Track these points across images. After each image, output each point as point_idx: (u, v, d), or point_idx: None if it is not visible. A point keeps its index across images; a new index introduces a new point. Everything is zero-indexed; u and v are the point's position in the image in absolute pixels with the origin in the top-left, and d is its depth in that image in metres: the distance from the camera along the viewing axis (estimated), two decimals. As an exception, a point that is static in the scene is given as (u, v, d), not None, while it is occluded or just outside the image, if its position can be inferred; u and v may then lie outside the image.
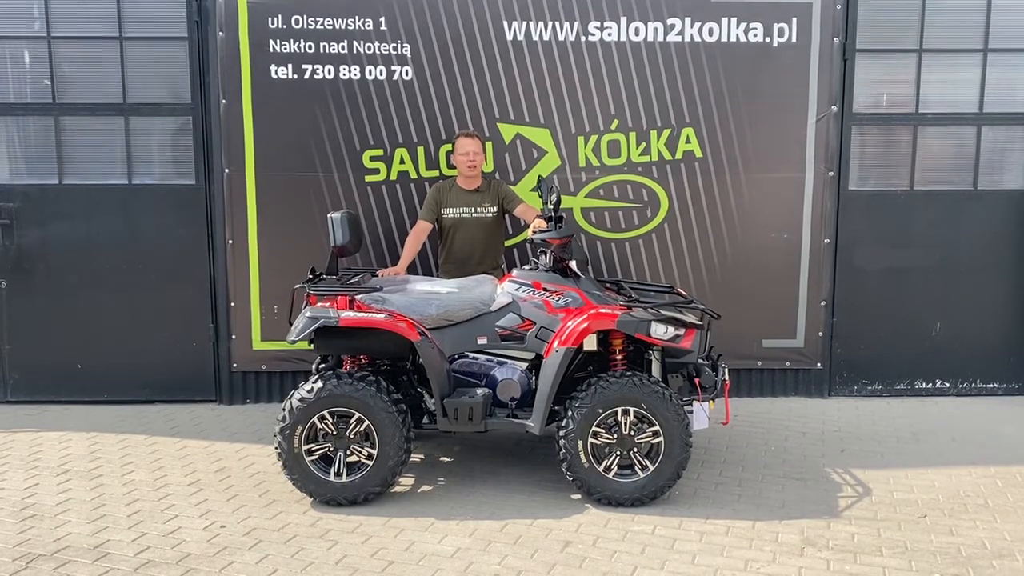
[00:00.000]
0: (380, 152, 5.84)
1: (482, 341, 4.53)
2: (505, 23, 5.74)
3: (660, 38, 5.78)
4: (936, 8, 5.89)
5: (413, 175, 5.87)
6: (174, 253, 5.93)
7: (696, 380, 4.48)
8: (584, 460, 4.28)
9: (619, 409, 4.25)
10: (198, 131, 5.83)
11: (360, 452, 4.30)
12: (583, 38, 5.78)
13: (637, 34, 5.78)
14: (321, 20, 5.68)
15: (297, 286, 4.57)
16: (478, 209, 5.43)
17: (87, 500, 4.44)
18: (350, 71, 5.74)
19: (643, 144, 5.88)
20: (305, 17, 5.68)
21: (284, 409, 4.30)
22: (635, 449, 4.29)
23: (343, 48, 5.72)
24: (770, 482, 4.67)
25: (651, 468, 4.29)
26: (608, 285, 4.96)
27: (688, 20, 5.76)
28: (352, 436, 4.29)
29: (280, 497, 4.46)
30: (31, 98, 5.85)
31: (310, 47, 5.70)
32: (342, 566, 3.75)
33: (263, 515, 4.26)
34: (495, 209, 5.46)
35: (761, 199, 5.94)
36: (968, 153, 6.07)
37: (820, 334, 6.07)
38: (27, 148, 5.92)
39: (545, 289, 4.54)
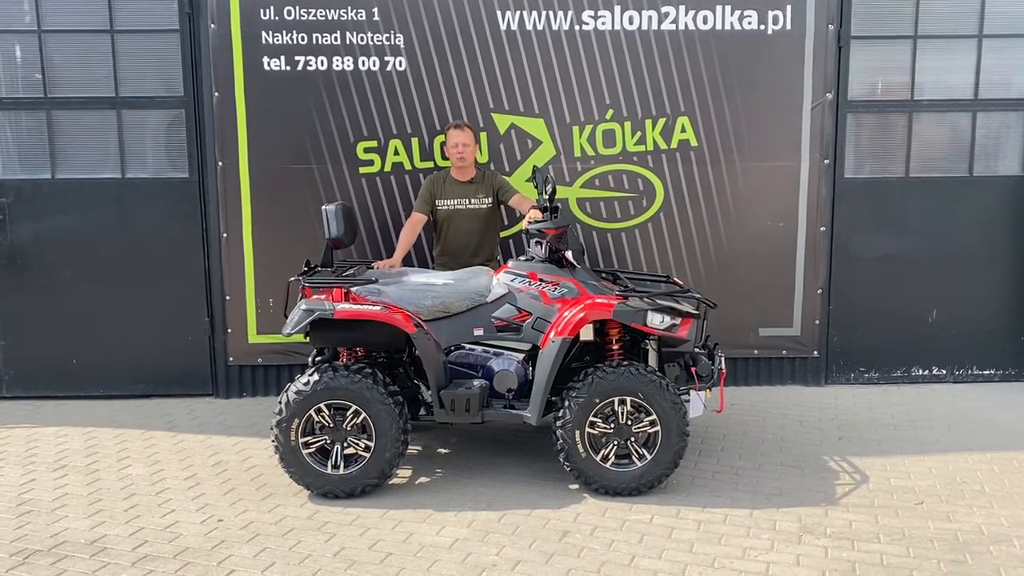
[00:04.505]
0: (374, 143, 5.82)
1: (478, 332, 4.52)
2: (499, 13, 5.71)
3: (654, 26, 5.76)
4: (931, -6, 5.89)
5: (407, 166, 5.85)
6: (168, 247, 5.91)
7: (693, 369, 4.48)
8: (581, 450, 4.28)
9: (616, 399, 4.25)
10: (191, 124, 5.80)
11: (357, 444, 4.29)
12: (577, 27, 5.75)
13: (631, 23, 5.76)
14: (313, 11, 5.65)
15: (292, 279, 4.56)
16: (472, 200, 5.41)
17: (84, 495, 4.43)
18: (343, 62, 5.72)
19: (638, 133, 5.86)
20: (297, 8, 5.64)
21: (281, 402, 4.29)
22: (632, 438, 4.29)
23: (336, 39, 5.69)
24: (767, 470, 4.67)
25: (648, 457, 4.29)
26: (604, 275, 4.95)
27: (682, 8, 5.73)
28: (349, 428, 4.29)
29: (277, 490, 4.46)
30: (22, 92, 5.82)
31: (303, 38, 5.67)
32: (340, 558, 3.74)
33: (260, 508, 4.25)
34: (490, 200, 5.44)
35: (757, 187, 5.93)
36: (963, 139, 6.06)
37: (817, 322, 6.07)
38: (19, 142, 5.88)
39: (541, 280, 4.53)
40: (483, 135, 5.78)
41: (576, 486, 4.44)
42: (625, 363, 4.33)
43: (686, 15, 5.75)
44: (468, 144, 5.34)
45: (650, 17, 5.75)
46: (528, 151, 5.87)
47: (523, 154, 5.87)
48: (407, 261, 5.54)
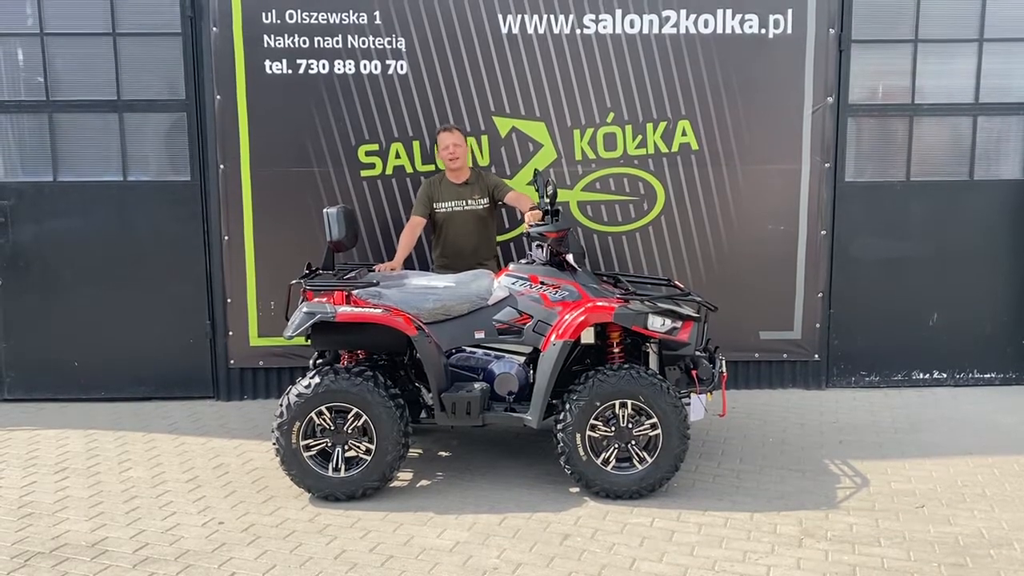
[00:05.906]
0: (375, 147, 5.83)
1: (479, 335, 4.52)
2: (500, 16, 5.72)
3: (655, 30, 5.77)
4: (931, -2, 5.90)
5: (409, 169, 5.86)
6: (170, 250, 5.92)
7: (694, 372, 4.48)
8: (582, 453, 4.28)
9: (617, 402, 4.25)
10: (193, 127, 5.81)
11: (358, 447, 4.30)
12: (578, 31, 5.76)
13: (632, 26, 5.77)
14: (315, 15, 5.66)
15: (293, 281, 4.56)
16: (469, 201, 5.44)
17: (85, 497, 4.44)
18: (345, 66, 5.73)
19: (639, 137, 5.87)
20: (299, 12, 5.66)
21: (282, 405, 4.30)
22: (633, 442, 4.29)
23: (338, 43, 5.70)
24: (768, 473, 4.67)
25: (649, 460, 4.29)
26: (605, 278, 4.96)
27: (683, 12, 5.75)
28: (350, 431, 4.29)
29: (278, 493, 4.46)
30: (25, 95, 5.83)
31: (304, 42, 5.68)
32: (341, 561, 3.75)
33: (261, 511, 4.26)
34: (486, 200, 5.47)
35: (757, 191, 5.93)
36: (964, 143, 6.07)
37: (817, 326, 6.07)
38: (21, 145, 5.89)
39: (542, 283, 4.54)
40: (484, 138, 5.79)
41: (577, 489, 4.44)
42: (626, 366, 4.33)
43: (687, 19, 5.76)
44: (459, 144, 5.36)
45: (651, 21, 5.76)
46: (529, 154, 5.88)
47: (524, 157, 5.88)
48: (407, 264, 5.55)
